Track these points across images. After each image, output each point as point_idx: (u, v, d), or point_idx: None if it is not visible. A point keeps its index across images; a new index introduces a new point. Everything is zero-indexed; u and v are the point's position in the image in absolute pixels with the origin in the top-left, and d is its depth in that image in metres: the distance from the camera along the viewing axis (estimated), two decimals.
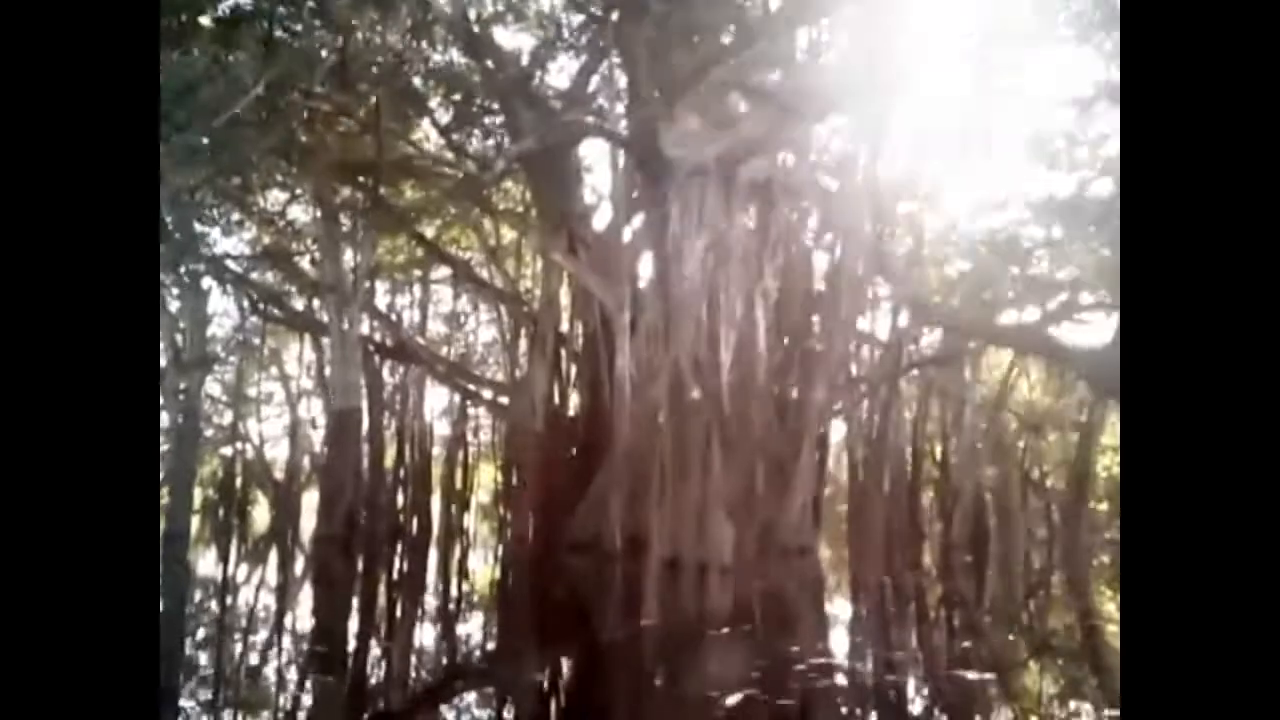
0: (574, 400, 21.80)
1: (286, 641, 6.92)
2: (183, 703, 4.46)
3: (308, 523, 25.32)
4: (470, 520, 30.20)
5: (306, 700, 4.85)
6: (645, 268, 20.38)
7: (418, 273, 26.39)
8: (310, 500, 27.78)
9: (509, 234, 24.76)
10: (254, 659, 6.03)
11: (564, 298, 22.31)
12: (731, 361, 12.05)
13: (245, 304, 23.44)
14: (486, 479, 31.61)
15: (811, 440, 15.51)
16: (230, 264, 21.54)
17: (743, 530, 12.05)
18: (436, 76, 16.60)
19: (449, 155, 19.44)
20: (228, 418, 28.12)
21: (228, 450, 31.43)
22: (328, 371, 22.40)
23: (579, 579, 12.53)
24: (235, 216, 19.80)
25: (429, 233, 23.53)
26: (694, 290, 11.71)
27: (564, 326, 22.30)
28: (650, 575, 11.69)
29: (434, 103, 17.80)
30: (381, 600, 10.55)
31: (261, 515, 31.04)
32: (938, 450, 26.75)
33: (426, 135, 20.07)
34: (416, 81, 16.58)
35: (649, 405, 17.57)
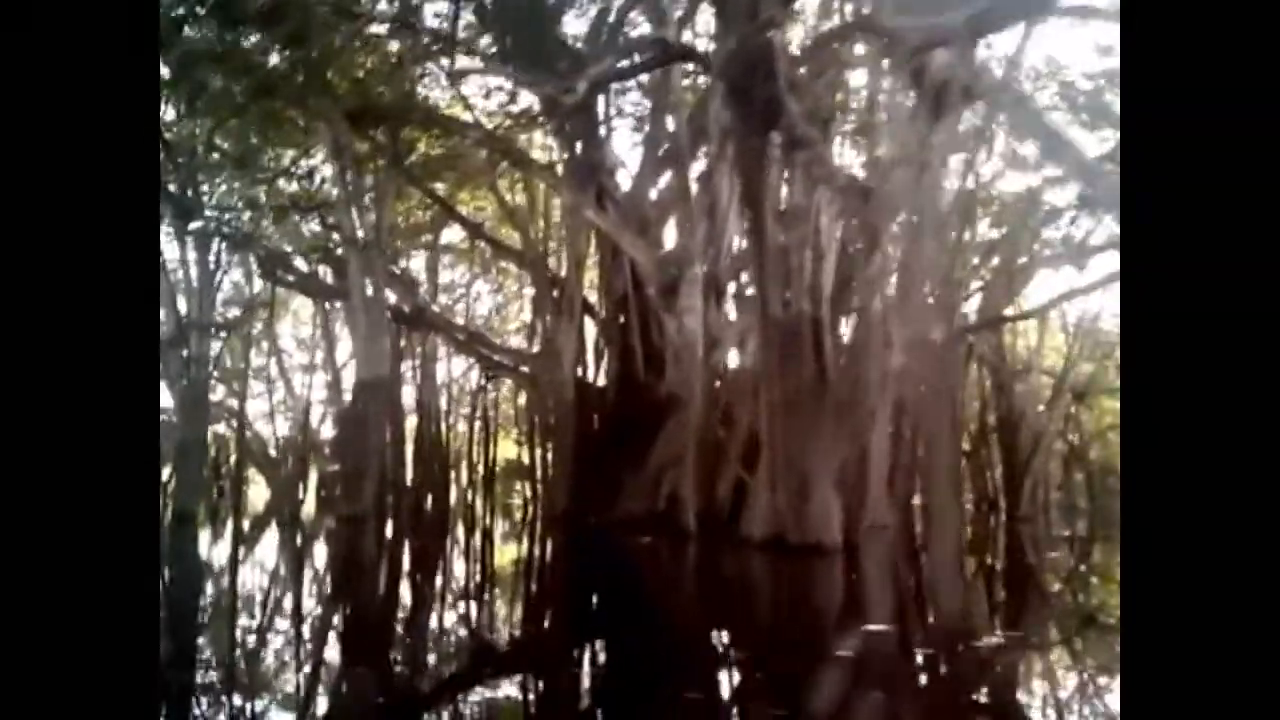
0: (604, 367, 20.68)
1: (310, 625, 6.28)
2: (200, 692, 4.09)
3: (323, 502, 24.09)
4: (497, 495, 29.14)
5: (332, 687, 4.43)
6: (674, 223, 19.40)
7: (429, 237, 24.92)
8: (319, 478, 26.49)
9: (532, 193, 23.22)
10: (275, 643, 5.53)
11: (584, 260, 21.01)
12: (833, 314, 10.59)
13: (254, 267, 21.75)
14: (513, 452, 30.25)
15: (889, 406, 14.23)
16: (234, 222, 19.91)
17: (854, 506, 10.69)
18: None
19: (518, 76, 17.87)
20: (234, 391, 26.37)
21: (221, 428, 29.90)
22: (348, 339, 20.88)
23: (648, 562, 11.29)
24: (241, 172, 18.28)
25: (451, 191, 22.03)
26: (897, 204, 9.56)
27: (591, 291, 21.14)
28: (755, 559, 10.36)
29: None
30: (409, 583, 9.59)
31: (262, 495, 29.62)
32: (986, 418, 25.70)
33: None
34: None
35: (711, 369, 16.31)
